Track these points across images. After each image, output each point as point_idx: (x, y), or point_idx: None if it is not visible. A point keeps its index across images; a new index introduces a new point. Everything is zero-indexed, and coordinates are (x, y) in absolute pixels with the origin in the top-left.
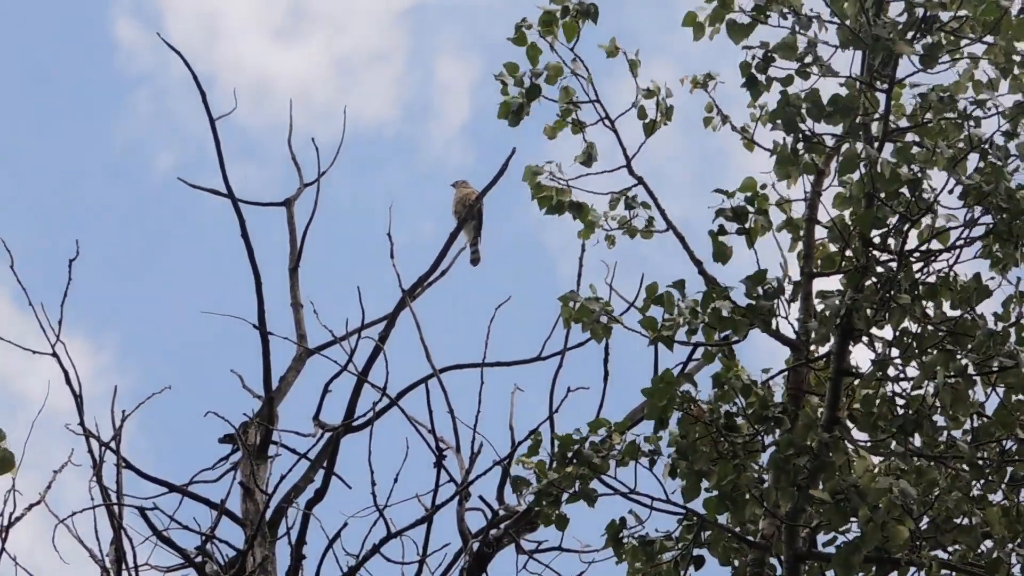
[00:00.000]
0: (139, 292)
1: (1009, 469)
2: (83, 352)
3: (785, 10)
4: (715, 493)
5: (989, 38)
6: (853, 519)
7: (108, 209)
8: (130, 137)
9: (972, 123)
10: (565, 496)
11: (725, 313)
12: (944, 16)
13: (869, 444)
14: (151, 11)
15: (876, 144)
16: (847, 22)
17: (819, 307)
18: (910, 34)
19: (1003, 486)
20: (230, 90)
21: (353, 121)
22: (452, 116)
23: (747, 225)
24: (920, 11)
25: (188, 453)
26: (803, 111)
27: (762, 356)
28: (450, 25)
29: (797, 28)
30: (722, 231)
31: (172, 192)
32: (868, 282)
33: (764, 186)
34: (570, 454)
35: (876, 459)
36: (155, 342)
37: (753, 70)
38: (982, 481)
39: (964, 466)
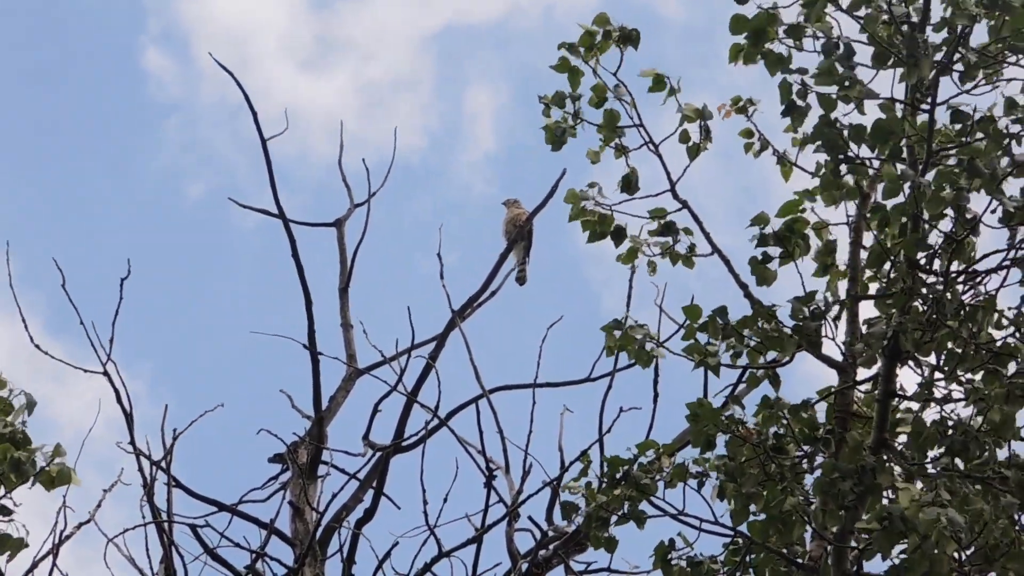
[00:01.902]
0: (180, 317)
1: None
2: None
3: (819, 33)
4: (763, 515)
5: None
6: (901, 543)
7: (143, 236)
8: (162, 165)
9: (1013, 142)
10: (614, 518)
11: (772, 333)
12: (980, 32)
13: (916, 467)
14: (179, 40)
15: (920, 166)
16: (882, 43)
17: (865, 329)
18: (945, 54)
19: None
20: (261, 118)
21: (381, 149)
22: (478, 144)
23: (790, 249)
24: (959, 27)
25: (237, 473)
26: (844, 133)
27: (807, 380)
28: (477, 52)
29: (827, 52)
30: (766, 258)
31: (207, 218)
32: (914, 304)
33: (803, 209)
34: (619, 475)
35: (920, 484)
36: (199, 364)
37: (794, 96)
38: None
39: (1008, 492)
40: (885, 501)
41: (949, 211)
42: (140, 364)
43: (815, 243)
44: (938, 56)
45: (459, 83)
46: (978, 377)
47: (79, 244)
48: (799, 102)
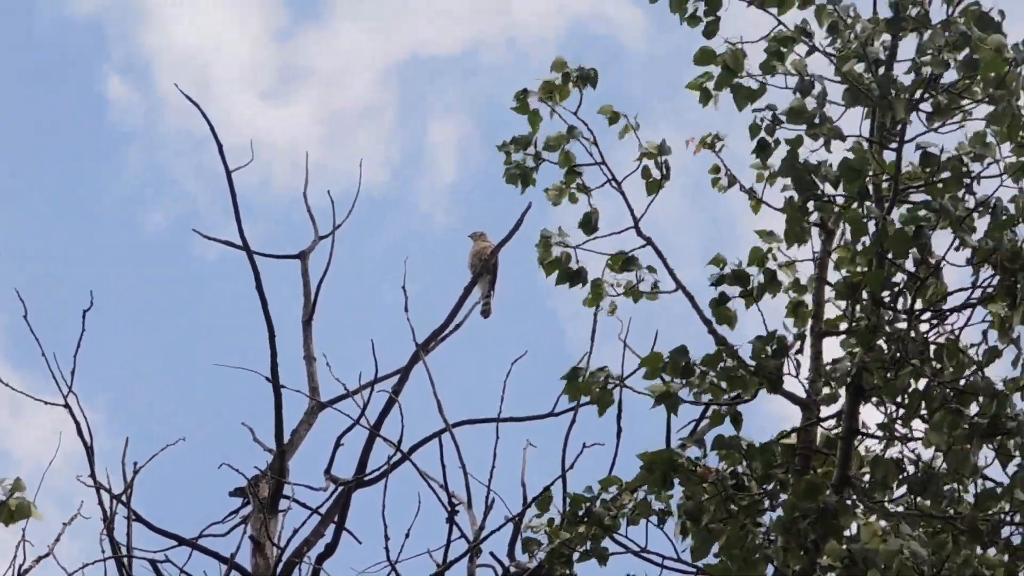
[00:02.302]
0: (139, 348)
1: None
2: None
3: (791, 72)
4: (724, 553)
5: (994, 100)
6: None
7: (103, 265)
8: (123, 194)
9: (976, 182)
10: (576, 555)
11: (733, 373)
12: (950, 74)
13: (878, 504)
14: (141, 69)
15: (887, 204)
16: (852, 81)
17: (829, 366)
18: (917, 94)
19: (1003, 554)
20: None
21: (343, 179)
22: (441, 175)
23: (750, 287)
24: (926, 70)
25: (198, 507)
26: (811, 172)
27: (771, 416)
28: (440, 82)
29: (800, 92)
30: (723, 299)
31: (168, 247)
32: (878, 342)
33: (770, 249)
34: (581, 512)
35: (883, 522)
36: (158, 396)
37: (763, 132)
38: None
39: (963, 533)
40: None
41: (914, 249)
42: (97, 395)
43: (785, 278)
44: (909, 95)
45: (422, 113)
46: (940, 417)
47: (38, 273)
48: (769, 139)
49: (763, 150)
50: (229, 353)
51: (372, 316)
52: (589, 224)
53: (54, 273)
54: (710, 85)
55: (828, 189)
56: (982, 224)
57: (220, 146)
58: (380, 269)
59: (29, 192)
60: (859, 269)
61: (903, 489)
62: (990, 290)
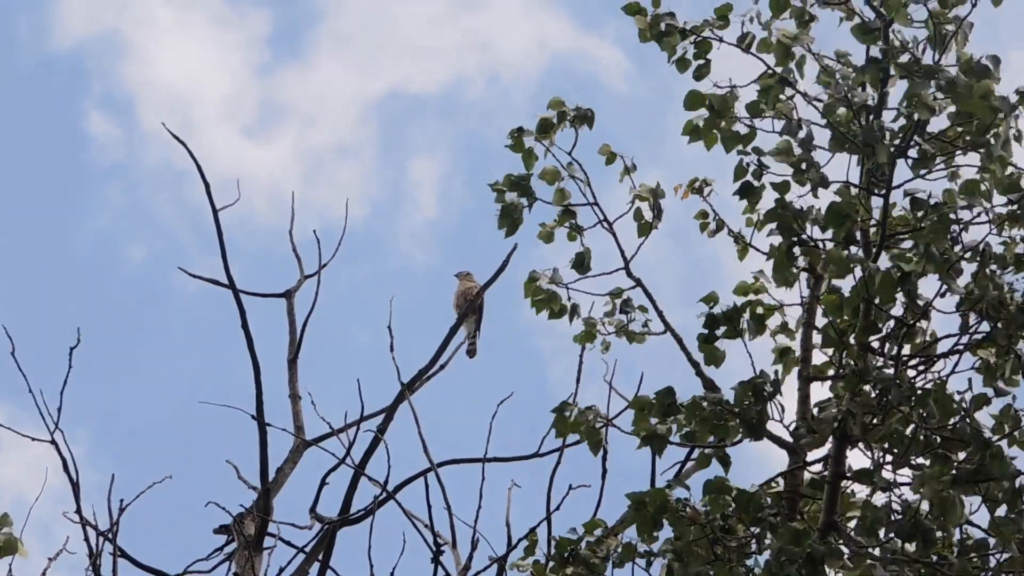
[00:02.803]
0: (120, 383)
1: None
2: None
3: (776, 115)
4: None
5: (982, 148)
6: None
7: (83, 300)
8: (103, 228)
9: (964, 229)
10: None
11: (715, 420)
12: (936, 120)
13: (864, 550)
14: (123, 104)
15: (874, 251)
16: (840, 127)
17: (816, 411)
18: (903, 139)
19: None
20: (200, 182)
21: (323, 216)
22: (421, 212)
23: (739, 327)
24: (915, 116)
25: (183, 543)
26: (798, 216)
27: (760, 458)
28: (421, 119)
29: (786, 134)
30: (712, 337)
31: (148, 282)
32: (865, 387)
33: (758, 291)
34: (567, 554)
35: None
36: (140, 432)
37: (749, 176)
38: None
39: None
40: None
41: (900, 295)
42: (80, 428)
43: (773, 323)
44: (896, 141)
45: (402, 151)
46: (927, 462)
47: (17, 308)
48: (754, 183)
49: (749, 193)
50: (214, 390)
51: (356, 355)
52: (582, 264)
53: (35, 307)
54: (699, 125)
55: (815, 233)
56: (971, 270)
57: (207, 185)
58: (361, 306)
59: (8, 227)
60: (846, 317)
61: (890, 534)
62: (978, 336)
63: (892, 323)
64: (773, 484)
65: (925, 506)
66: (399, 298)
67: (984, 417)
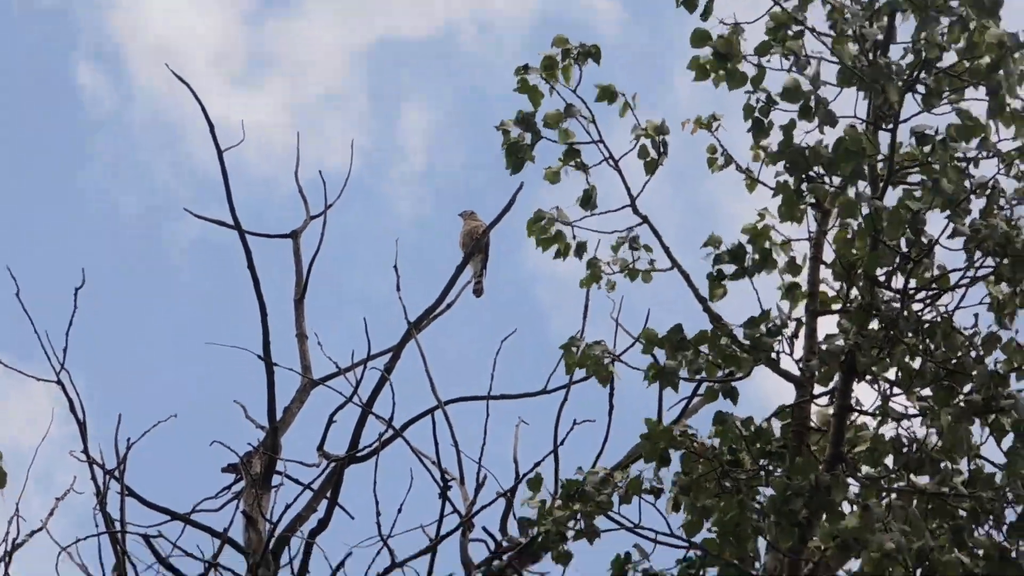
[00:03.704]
0: (120, 329)
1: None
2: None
3: (785, 52)
4: (717, 529)
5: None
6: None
7: (76, 250)
8: (94, 182)
9: (972, 165)
10: (570, 534)
11: (728, 351)
12: (947, 58)
13: (871, 482)
14: (112, 56)
15: (881, 185)
16: (848, 64)
17: (823, 345)
18: (912, 75)
19: (1001, 531)
20: (193, 134)
21: (313, 165)
22: (412, 161)
23: (744, 266)
24: (922, 53)
25: (191, 483)
26: (806, 152)
27: (765, 394)
28: (411, 67)
29: (795, 69)
30: (720, 275)
31: (140, 233)
32: (872, 321)
33: (766, 227)
34: (573, 492)
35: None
36: (148, 377)
37: (757, 113)
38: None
39: (961, 510)
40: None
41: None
42: (84, 373)
43: (781, 259)
44: (903, 76)
45: (392, 99)
46: (933, 395)
47: (13, 257)
48: (763, 120)
49: (758, 131)
50: (212, 336)
51: (361, 296)
52: (589, 200)
53: (29, 257)
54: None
55: (823, 170)
56: (979, 206)
57: (211, 125)
58: (356, 253)
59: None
60: (855, 251)
61: (898, 466)
62: (984, 271)
63: (899, 258)
64: (783, 412)
65: (934, 439)
66: (392, 246)
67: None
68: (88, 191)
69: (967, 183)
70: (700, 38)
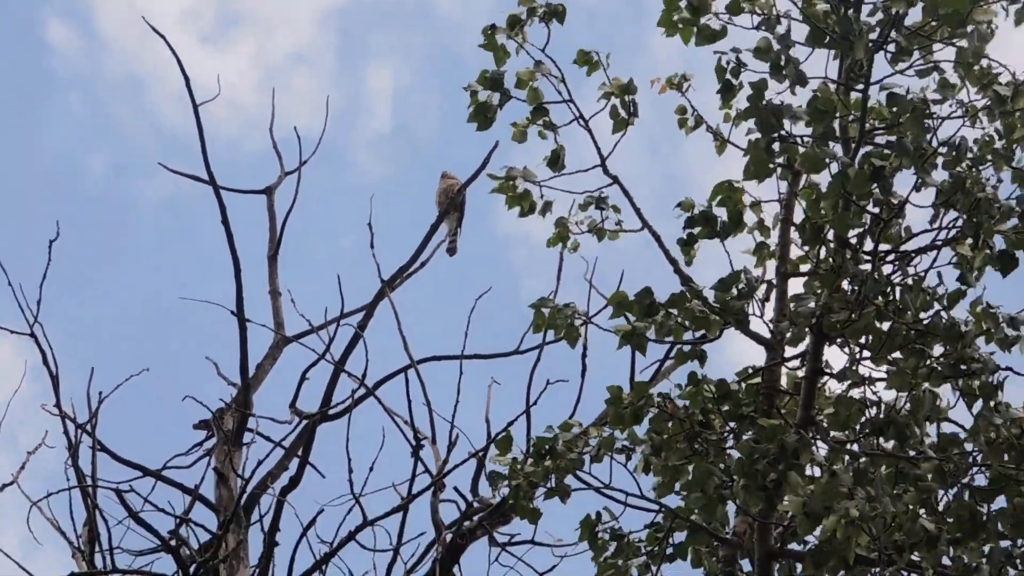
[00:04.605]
0: (89, 287)
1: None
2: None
3: (756, 11)
4: (686, 491)
5: (958, 41)
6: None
7: (45, 208)
8: (63, 139)
9: (938, 123)
10: (540, 492)
11: (698, 313)
12: (914, 14)
13: (839, 445)
14: (82, 13)
15: (853, 146)
16: (818, 22)
17: (793, 307)
18: (879, 34)
19: (965, 494)
20: (161, 91)
21: (283, 125)
22: (379, 121)
23: (715, 228)
24: (893, 11)
25: (162, 439)
26: (777, 113)
27: (736, 357)
28: (377, 28)
29: (764, 28)
30: (692, 239)
31: (110, 191)
32: (842, 283)
33: (737, 189)
34: (544, 451)
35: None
36: (118, 331)
37: (728, 75)
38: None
39: (929, 474)
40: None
41: (876, 190)
42: (56, 328)
43: (751, 219)
44: (873, 36)
45: (361, 59)
46: (903, 358)
47: None
48: (733, 81)
49: (727, 91)
50: (189, 291)
51: (335, 254)
52: (557, 160)
53: (2, 213)
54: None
55: (795, 130)
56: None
57: (187, 79)
58: (326, 212)
59: None
60: (823, 212)
61: (865, 430)
62: (954, 231)
63: (869, 219)
64: (749, 370)
65: (902, 402)
66: (357, 205)
67: (961, 313)
68: (57, 148)
69: (933, 140)
70: None
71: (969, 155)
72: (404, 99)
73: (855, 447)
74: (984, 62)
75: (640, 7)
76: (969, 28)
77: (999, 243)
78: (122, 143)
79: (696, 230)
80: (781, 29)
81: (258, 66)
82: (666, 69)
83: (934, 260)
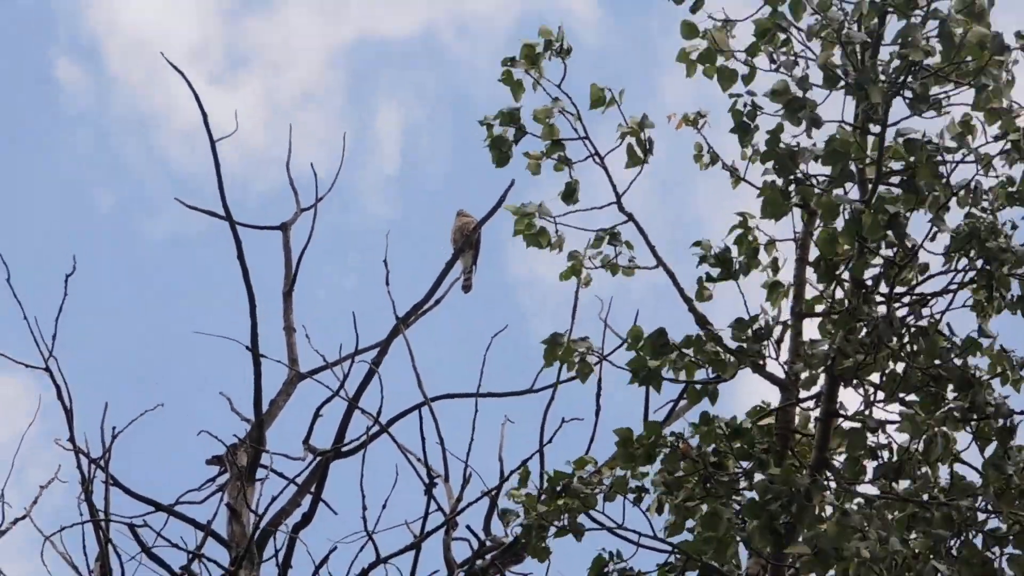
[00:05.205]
0: (100, 321)
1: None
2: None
3: (774, 53)
4: (698, 531)
5: (977, 82)
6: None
7: (57, 244)
8: (71, 175)
9: (953, 167)
10: (553, 530)
11: (714, 355)
12: (935, 59)
13: (852, 488)
14: (91, 52)
15: (869, 187)
16: (833, 67)
17: (808, 349)
18: (898, 78)
19: (974, 538)
20: (168, 129)
21: (289, 164)
22: (383, 163)
23: (732, 269)
24: (908, 56)
25: (175, 474)
26: (794, 155)
27: (750, 397)
28: (389, 67)
29: (782, 68)
30: (708, 279)
31: (117, 228)
32: (857, 325)
33: (751, 228)
34: (559, 488)
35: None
36: (132, 367)
37: (745, 117)
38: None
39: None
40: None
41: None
42: (71, 362)
43: (764, 259)
44: (891, 79)
45: (369, 99)
46: (916, 401)
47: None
48: (749, 123)
49: (744, 133)
50: (203, 326)
51: (349, 290)
52: (572, 194)
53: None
54: (694, 57)
55: (810, 170)
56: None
57: (204, 115)
58: (328, 254)
59: None
60: (838, 253)
61: (877, 473)
62: (969, 273)
63: (884, 263)
64: (759, 408)
65: (915, 445)
66: (368, 249)
67: (975, 357)
68: (66, 184)
69: (948, 184)
70: (689, 31)
71: (984, 200)
72: (412, 139)
73: (868, 489)
74: (1004, 102)
75: (647, 44)
76: (985, 74)
77: (1016, 287)
78: (129, 181)
79: (716, 272)
80: (798, 71)
81: (266, 105)
82: (677, 107)
83: (949, 303)
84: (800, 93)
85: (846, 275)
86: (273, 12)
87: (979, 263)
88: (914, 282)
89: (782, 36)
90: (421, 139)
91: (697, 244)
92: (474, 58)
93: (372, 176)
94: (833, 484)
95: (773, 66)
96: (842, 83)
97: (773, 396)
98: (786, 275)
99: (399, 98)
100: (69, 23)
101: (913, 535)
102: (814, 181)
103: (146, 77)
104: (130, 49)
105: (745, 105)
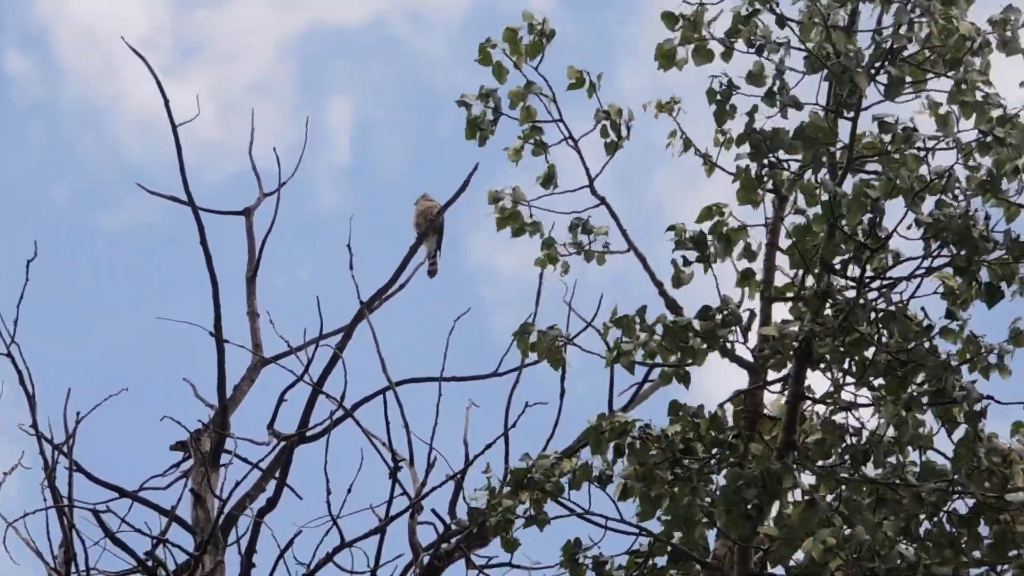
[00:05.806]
0: (62, 310)
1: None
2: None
3: (753, 37)
4: (669, 516)
5: (952, 73)
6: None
7: (14, 234)
8: (25, 168)
9: (931, 156)
10: (520, 522)
11: (682, 341)
12: (911, 47)
13: (822, 470)
14: (41, 43)
15: (840, 172)
16: (814, 51)
17: (777, 332)
18: (876, 64)
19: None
20: (121, 122)
21: (241, 155)
22: (338, 152)
23: (707, 253)
24: (887, 43)
25: (139, 459)
26: (769, 139)
27: (718, 380)
28: (339, 57)
29: (766, 54)
30: (685, 262)
31: (72, 219)
32: (827, 309)
33: (724, 212)
34: (523, 481)
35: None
36: (95, 352)
37: (719, 97)
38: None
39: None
40: (790, 500)
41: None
42: (33, 348)
43: (737, 246)
44: (867, 64)
45: (321, 89)
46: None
47: None
48: (726, 103)
49: (723, 113)
50: (166, 312)
51: (314, 275)
52: (551, 180)
53: None
54: (671, 47)
55: (783, 155)
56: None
57: (167, 100)
58: (282, 244)
59: None
60: (809, 239)
61: (845, 456)
62: (940, 260)
63: (855, 247)
64: (733, 403)
65: (885, 429)
66: (313, 240)
67: (944, 341)
68: (19, 177)
69: (925, 172)
70: (670, 21)
71: (958, 187)
72: (364, 129)
73: (835, 473)
74: (979, 94)
75: (605, 39)
76: (963, 62)
77: (984, 275)
78: (84, 172)
79: (693, 255)
80: (776, 57)
81: (217, 97)
82: (637, 98)
83: (917, 287)
84: (777, 76)
85: (817, 261)
86: (223, 2)
87: (954, 250)
88: (885, 266)
89: (761, 22)
90: (373, 129)
91: (671, 228)
92: (427, 47)
93: (324, 166)
94: (802, 467)
95: (751, 50)
96: (824, 69)
97: (742, 379)
98: (757, 262)
99: (351, 88)
100: (17, 14)
101: (882, 517)
102: (786, 166)
103: (97, 67)
104: (79, 41)
105: (721, 85)
